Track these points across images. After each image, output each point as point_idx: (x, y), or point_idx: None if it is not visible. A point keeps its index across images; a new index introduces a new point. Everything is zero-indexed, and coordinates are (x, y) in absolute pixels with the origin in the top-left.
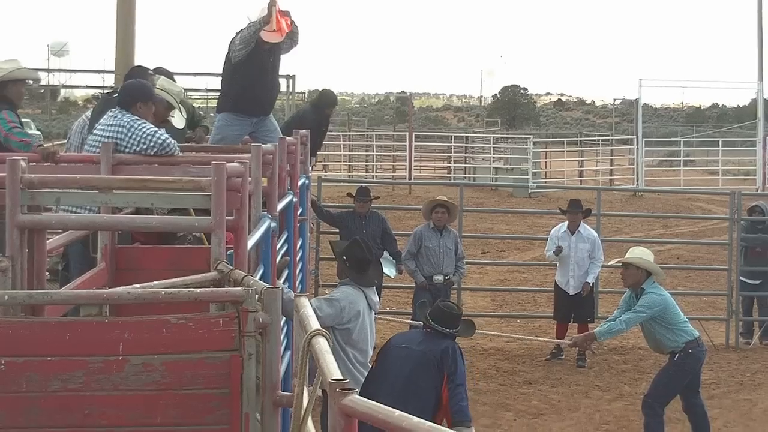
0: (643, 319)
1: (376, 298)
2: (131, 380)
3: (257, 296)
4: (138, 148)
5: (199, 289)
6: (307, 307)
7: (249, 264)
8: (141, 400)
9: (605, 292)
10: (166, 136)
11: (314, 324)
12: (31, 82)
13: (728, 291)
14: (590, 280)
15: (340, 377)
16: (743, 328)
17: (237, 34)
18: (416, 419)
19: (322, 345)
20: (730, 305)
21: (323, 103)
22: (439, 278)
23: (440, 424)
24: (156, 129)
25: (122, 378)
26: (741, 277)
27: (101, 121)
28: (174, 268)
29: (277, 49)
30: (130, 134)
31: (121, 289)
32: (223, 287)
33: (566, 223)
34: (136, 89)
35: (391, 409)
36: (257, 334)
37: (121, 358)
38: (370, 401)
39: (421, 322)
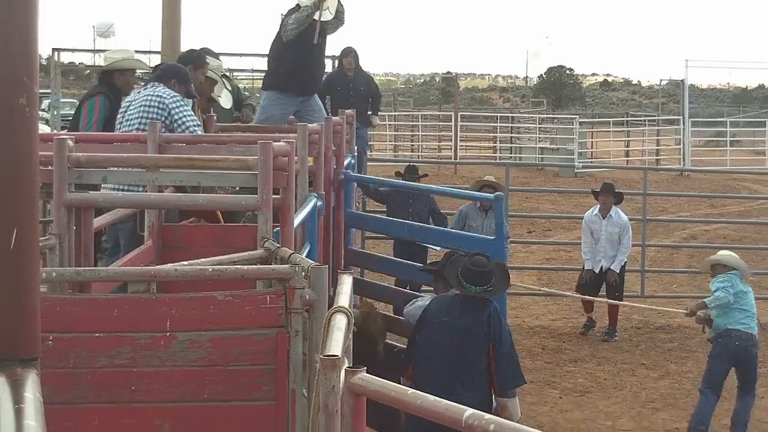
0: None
1: None
2: (178, 356)
3: (303, 274)
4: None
5: (245, 267)
6: (345, 284)
7: (295, 242)
8: (188, 376)
9: (651, 271)
10: (200, 130)
11: (342, 301)
12: (140, 73)
13: None
14: (615, 267)
15: (335, 354)
16: None
17: (290, 13)
18: (432, 397)
19: (338, 322)
20: None
21: (340, 57)
22: None
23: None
24: (194, 119)
25: (169, 354)
26: None
27: (137, 96)
28: (221, 246)
29: (325, 29)
30: (172, 116)
31: (169, 266)
32: (270, 265)
33: (598, 206)
34: (175, 68)
35: (405, 387)
36: (304, 311)
37: (168, 334)
38: (380, 379)
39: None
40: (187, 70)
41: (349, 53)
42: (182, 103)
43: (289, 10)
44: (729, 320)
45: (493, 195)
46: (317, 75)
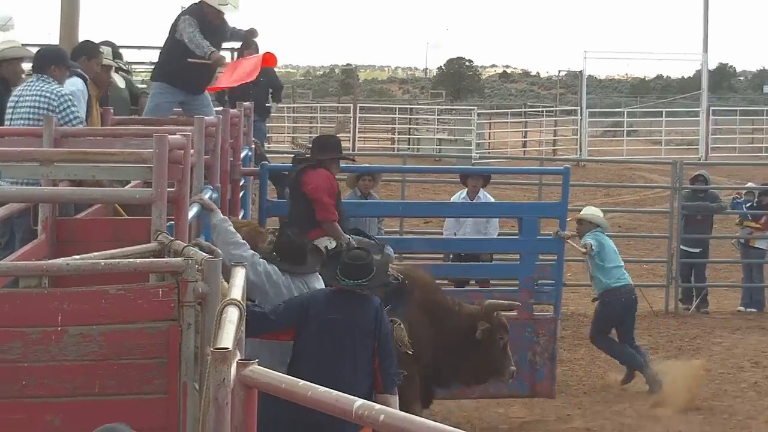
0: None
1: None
2: (69, 351)
3: (197, 266)
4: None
5: (138, 260)
6: (237, 277)
7: (189, 235)
8: (79, 371)
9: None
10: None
11: (235, 293)
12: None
13: (668, 258)
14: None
15: (226, 346)
16: (682, 295)
17: (185, 16)
18: (322, 389)
19: (230, 314)
20: (670, 272)
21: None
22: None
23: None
24: (78, 119)
25: (60, 349)
26: (681, 246)
27: (24, 91)
28: (115, 239)
29: (221, 32)
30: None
31: (61, 260)
32: (163, 258)
33: (466, 190)
34: (50, 52)
35: (295, 379)
36: (196, 304)
37: (59, 329)
38: (272, 371)
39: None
40: (63, 52)
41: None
42: (70, 104)
43: (191, 5)
44: (611, 279)
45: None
46: (208, 77)
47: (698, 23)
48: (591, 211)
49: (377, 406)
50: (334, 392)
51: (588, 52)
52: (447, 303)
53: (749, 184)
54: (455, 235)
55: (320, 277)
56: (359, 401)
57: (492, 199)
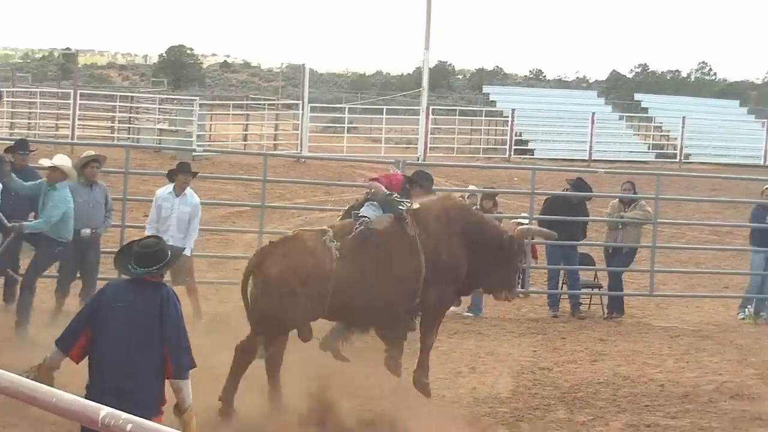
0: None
1: None
2: None
3: None
4: None
5: None
6: None
7: None
8: None
9: None
10: None
11: None
12: None
13: None
14: (187, 252)
15: None
16: None
17: None
18: (69, 396)
19: None
20: None
21: None
22: (86, 231)
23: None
24: None
25: None
26: None
27: None
28: None
29: None
30: None
31: None
32: None
33: (173, 185)
34: None
35: (38, 384)
36: None
37: None
38: (12, 374)
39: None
40: None
41: None
42: None
43: None
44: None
45: None
46: None
47: (420, 20)
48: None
49: (124, 415)
50: (80, 400)
51: (310, 46)
52: (482, 221)
53: (471, 187)
54: (157, 231)
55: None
56: (105, 410)
57: (197, 200)
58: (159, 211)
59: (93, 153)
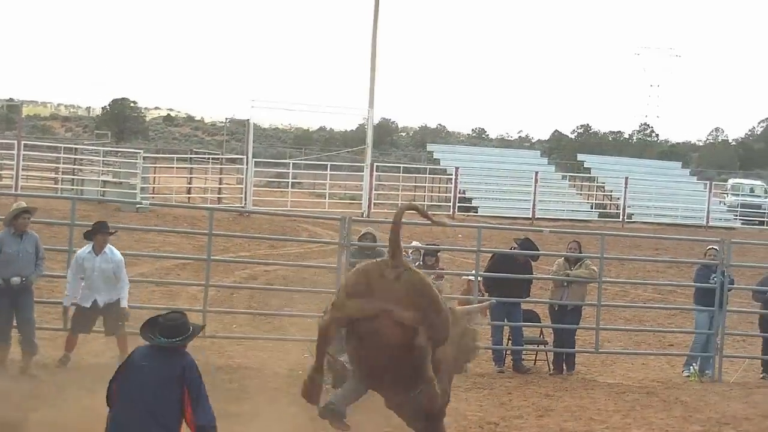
0: None
1: None
2: None
3: None
4: None
5: None
6: None
7: None
8: None
9: (212, 311)
10: None
11: None
12: None
13: None
14: (123, 303)
15: None
16: None
17: None
18: None
19: None
20: None
21: None
22: (16, 279)
23: None
24: None
25: None
26: None
27: None
28: None
29: None
30: None
31: None
32: None
33: (92, 244)
34: None
35: None
36: None
37: None
38: None
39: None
40: None
41: None
42: None
43: None
44: None
45: None
46: None
47: (364, 77)
48: None
49: None
50: None
51: (254, 101)
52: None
53: (413, 243)
54: (75, 290)
55: None
56: None
57: (119, 255)
58: (80, 271)
59: (24, 204)
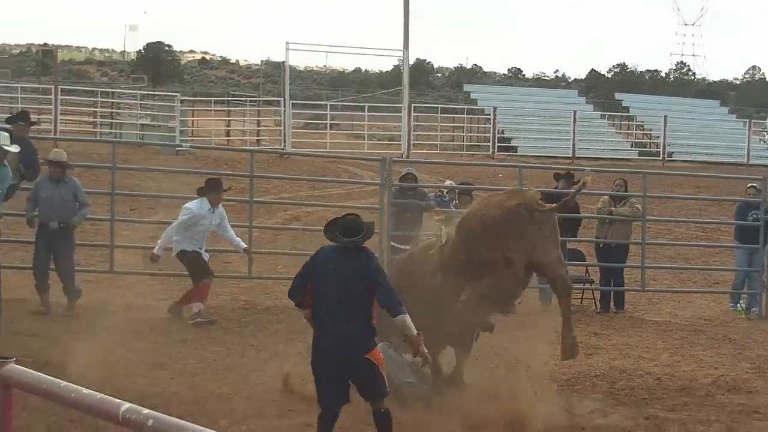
0: None
1: None
2: None
3: None
4: None
5: None
6: None
7: None
8: None
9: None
10: None
11: None
12: None
13: (380, 254)
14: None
15: None
16: None
17: None
18: (86, 390)
19: None
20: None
21: None
22: (54, 224)
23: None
24: None
25: None
26: (392, 242)
27: None
28: None
29: None
30: None
31: None
32: None
33: (204, 199)
34: None
35: (57, 380)
36: None
37: None
38: (31, 371)
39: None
40: None
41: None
42: None
43: None
44: None
45: None
46: None
47: (398, 18)
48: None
49: (145, 410)
50: (98, 395)
51: (290, 43)
52: None
53: (447, 182)
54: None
55: None
56: (126, 405)
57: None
58: (192, 225)
59: (58, 153)
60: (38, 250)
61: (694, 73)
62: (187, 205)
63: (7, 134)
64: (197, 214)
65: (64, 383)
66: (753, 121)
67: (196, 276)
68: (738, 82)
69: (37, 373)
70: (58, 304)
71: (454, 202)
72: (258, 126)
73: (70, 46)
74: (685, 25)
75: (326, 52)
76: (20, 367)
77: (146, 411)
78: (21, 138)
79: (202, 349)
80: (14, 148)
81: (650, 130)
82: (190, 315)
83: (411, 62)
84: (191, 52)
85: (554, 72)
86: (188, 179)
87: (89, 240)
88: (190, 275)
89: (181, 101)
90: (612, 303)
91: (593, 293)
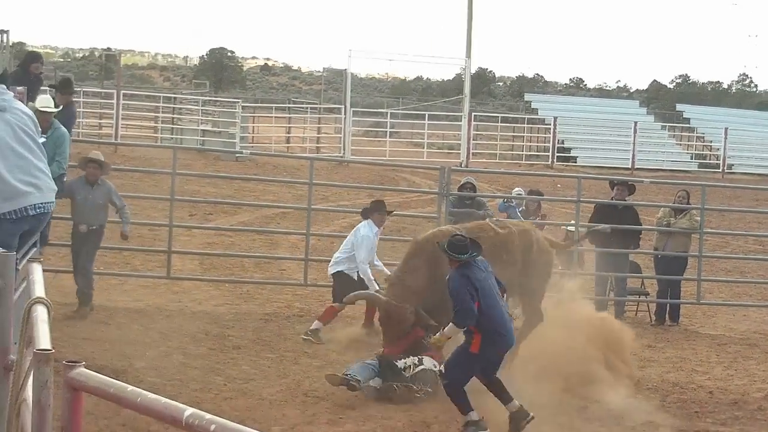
0: None
1: None
2: None
3: None
4: None
5: None
6: (36, 273)
7: None
8: None
9: (313, 260)
10: None
11: (38, 291)
12: None
13: None
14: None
15: (47, 348)
16: None
17: None
18: (151, 395)
19: (39, 313)
20: None
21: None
22: (83, 228)
23: None
24: None
25: None
26: None
27: None
28: None
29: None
30: None
31: None
32: None
33: (371, 221)
34: None
35: (124, 384)
36: None
37: None
38: (99, 375)
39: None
40: None
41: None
42: None
43: None
44: None
45: None
46: None
47: (461, 27)
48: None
49: (207, 416)
50: (163, 399)
51: (352, 51)
52: None
53: (516, 189)
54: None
55: None
56: (189, 410)
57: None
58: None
59: (95, 153)
60: (74, 252)
61: (756, 85)
62: (361, 232)
63: (49, 97)
64: (368, 237)
65: (130, 388)
66: None
67: (336, 298)
68: None
69: (105, 377)
70: (112, 309)
71: (521, 209)
72: (318, 133)
73: (134, 51)
74: (748, 36)
75: (388, 59)
76: (88, 371)
77: (209, 416)
78: (63, 104)
79: (256, 355)
80: (51, 108)
81: (710, 141)
82: (306, 330)
83: (473, 71)
84: (254, 58)
85: (616, 82)
86: (247, 185)
87: (147, 245)
88: (333, 295)
89: (243, 107)
90: (667, 315)
91: (648, 305)
